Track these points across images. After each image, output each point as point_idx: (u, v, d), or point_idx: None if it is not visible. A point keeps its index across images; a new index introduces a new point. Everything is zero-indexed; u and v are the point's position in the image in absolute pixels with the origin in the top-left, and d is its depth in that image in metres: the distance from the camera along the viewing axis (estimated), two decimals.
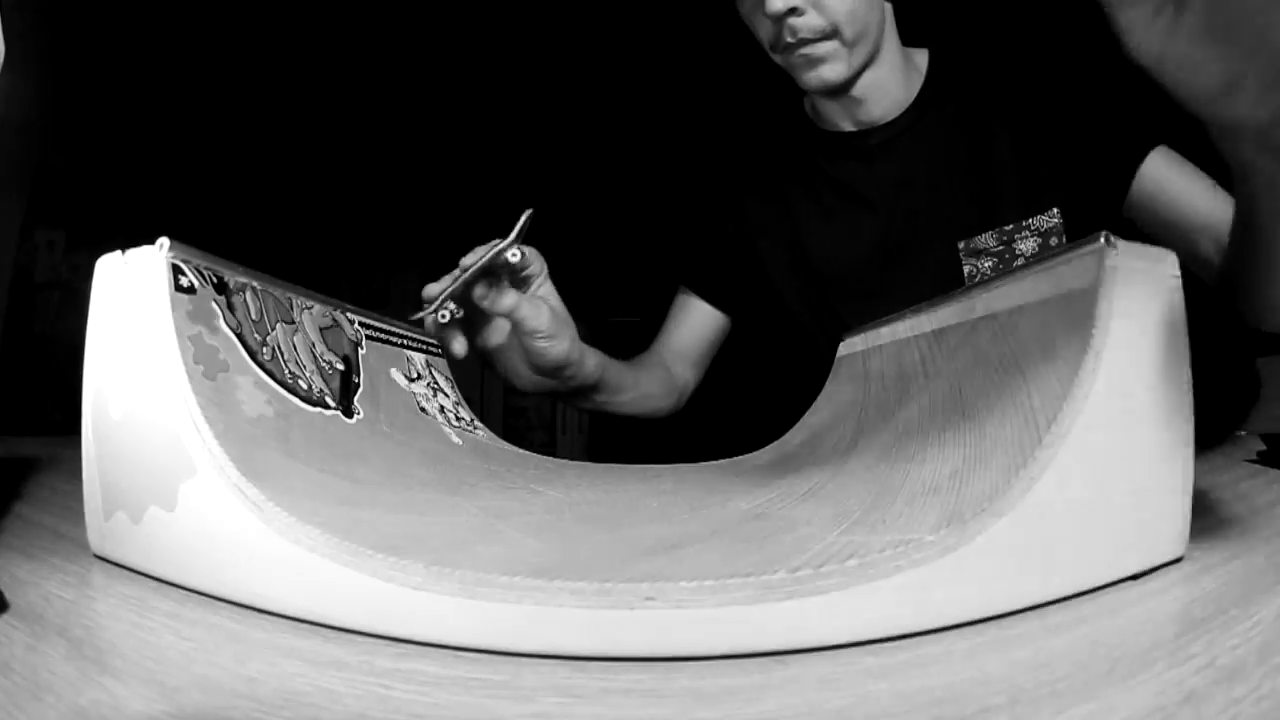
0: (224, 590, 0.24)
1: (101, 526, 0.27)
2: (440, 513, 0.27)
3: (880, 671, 0.18)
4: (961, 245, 0.65)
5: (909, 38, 0.71)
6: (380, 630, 0.21)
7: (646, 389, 0.72)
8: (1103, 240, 0.24)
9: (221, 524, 0.24)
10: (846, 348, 0.46)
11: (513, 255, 0.48)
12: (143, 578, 0.26)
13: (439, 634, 0.20)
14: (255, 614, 0.23)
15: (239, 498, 0.24)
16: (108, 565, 0.27)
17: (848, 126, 0.71)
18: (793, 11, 0.59)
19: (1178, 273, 0.25)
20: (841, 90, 0.66)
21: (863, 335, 0.44)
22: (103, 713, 0.16)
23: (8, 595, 0.23)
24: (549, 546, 0.23)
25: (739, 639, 0.19)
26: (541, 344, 0.51)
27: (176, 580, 0.25)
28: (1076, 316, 0.24)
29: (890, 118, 0.70)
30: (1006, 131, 0.66)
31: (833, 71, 0.63)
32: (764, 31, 0.64)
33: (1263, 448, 0.52)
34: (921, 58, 0.72)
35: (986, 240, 0.64)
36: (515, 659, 0.20)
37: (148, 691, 0.17)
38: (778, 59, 0.65)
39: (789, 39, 0.61)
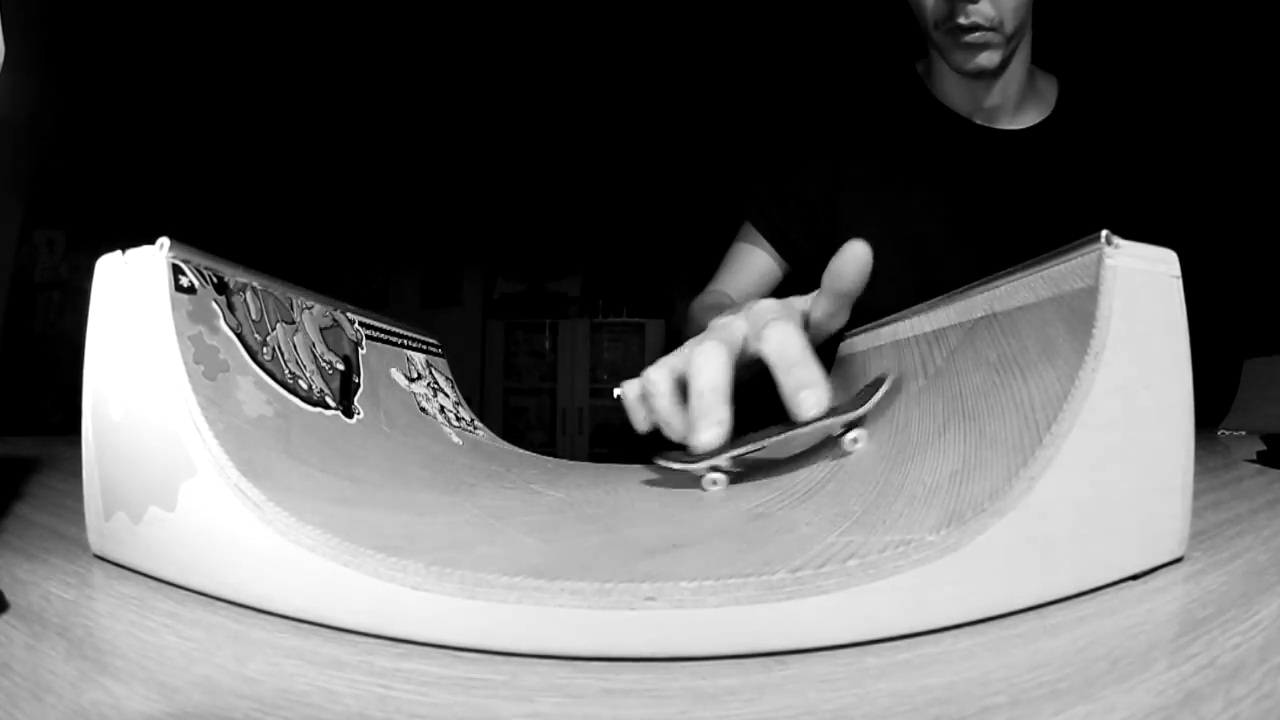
0: (224, 590, 0.24)
1: (101, 526, 0.27)
2: (440, 513, 0.27)
3: (880, 671, 0.18)
4: None
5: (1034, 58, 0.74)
6: (380, 630, 0.21)
7: None
8: (1103, 240, 0.24)
9: (221, 524, 0.24)
10: (846, 348, 0.46)
11: (852, 441, 0.31)
12: (143, 578, 0.26)
13: (439, 634, 0.20)
14: (255, 614, 0.23)
15: (239, 498, 0.24)
16: (108, 565, 0.27)
17: (966, 106, 0.73)
18: None
19: (1178, 272, 0.25)
20: (988, 76, 0.68)
21: (863, 335, 0.44)
22: (103, 713, 0.16)
23: (8, 595, 0.23)
24: (549, 546, 0.23)
25: (739, 639, 0.19)
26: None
27: (176, 580, 0.25)
28: (1076, 316, 0.24)
29: (1020, 126, 0.73)
30: (1127, 173, 0.70)
31: (989, 60, 0.66)
32: (931, 7, 0.65)
33: (1263, 448, 0.53)
34: (1048, 83, 0.76)
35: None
36: (515, 659, 0.20)
37: (148, 691, 0.17)
38: (935, 35, 0.67)
39: (961, 21, 0.63)
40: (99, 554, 0.28)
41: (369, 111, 2.39)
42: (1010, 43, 0.66)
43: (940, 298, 0.35)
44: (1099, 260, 0.24)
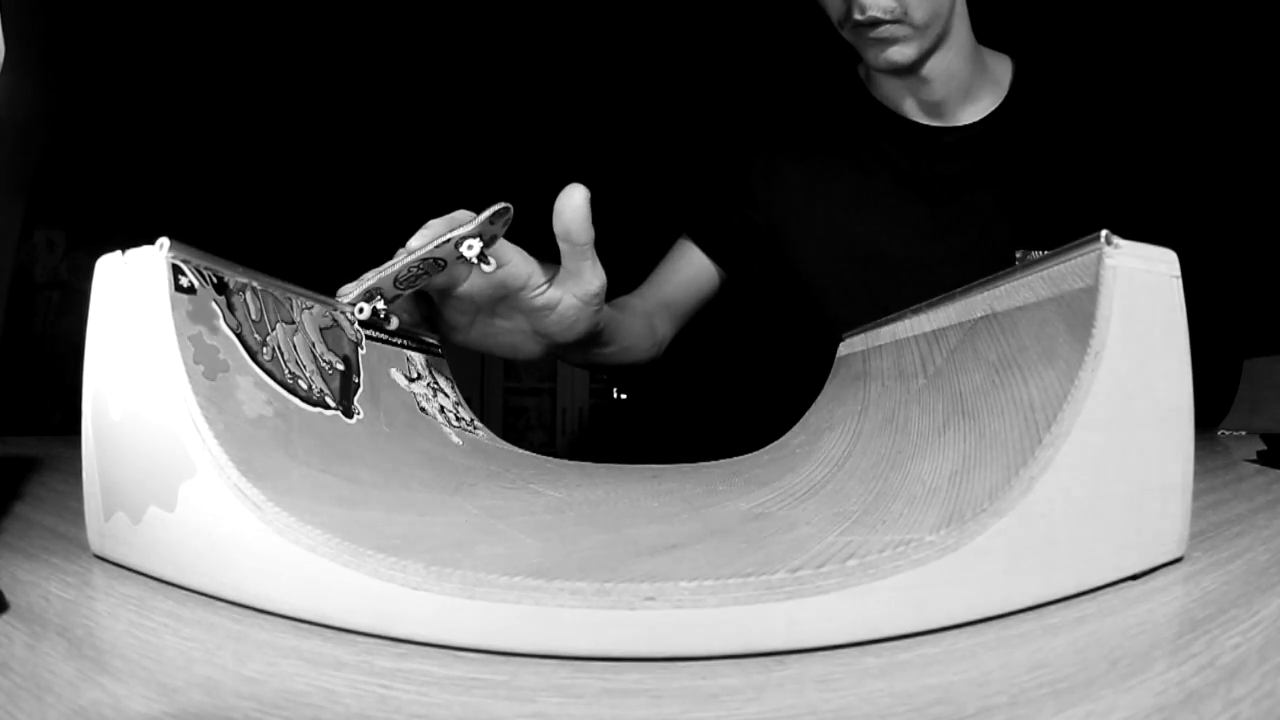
0: (224, 590, 0.24)
1: (101, 527, 0.27)
2: (440, 513, 0.27)
3: (880, 671, 0.18)
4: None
5: (986, 38, 0.71)
6: (380, 630, 0.21)
7: (629, 340, 0.70)
8: (1103, 240, 0.24)
9: (221, 524, 0.24)
10: (846, 348, 0.46)
11: (468, 248, 0.37)
12: (143, 578, 0.26)
13: (439, 634, 0.20)
14: (255, 614, 0.23)
15: (239, 498, 0.24)
16: (108, 565, 0.27)
17: (909, 105, 0.71)
18: None
19: (1178, 272, 0.25)
20: (908, 71, 0.66)
21: (863, 335, 0.44)
22: (103, 713, 0.16)
23: (8, 595, 0.23)
24: (549, 546, 0.23)
25: (739, 639, 0.19)
26: (546, 300, 0.48)
27: (176, 580, 0.25)
28: (1076, 316, 0.24)
29: (971, 118, 0.70)
30: (1086, 162, 0.67)
31: (901, 54, 0.63)
32: (832, 6, 0.63)
33: (1263, 448, 0.53)
34: (1001, 65, 0.72)
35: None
36: (515, 659, 0.20)
37: (148, 691, 0.17)
38: (845, 34, 0.65)
39: (858, 17, 0.60)
40: (99, 554, 0.28)
41: (369, 112, 2.39)
42: (924, 33, 0.62)
43: (940, 297, 0.35)
44: (1099, 260, 0.24)
